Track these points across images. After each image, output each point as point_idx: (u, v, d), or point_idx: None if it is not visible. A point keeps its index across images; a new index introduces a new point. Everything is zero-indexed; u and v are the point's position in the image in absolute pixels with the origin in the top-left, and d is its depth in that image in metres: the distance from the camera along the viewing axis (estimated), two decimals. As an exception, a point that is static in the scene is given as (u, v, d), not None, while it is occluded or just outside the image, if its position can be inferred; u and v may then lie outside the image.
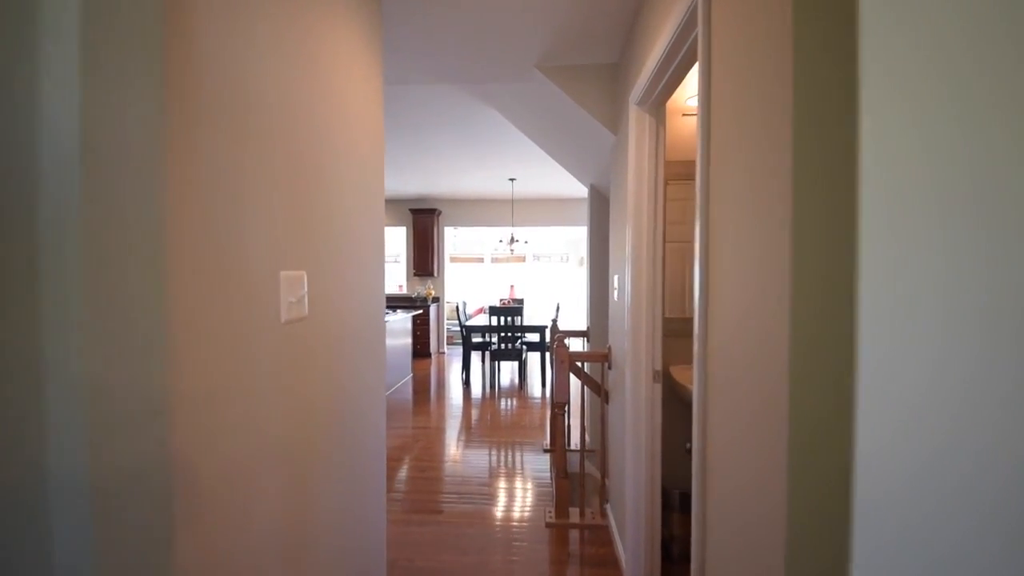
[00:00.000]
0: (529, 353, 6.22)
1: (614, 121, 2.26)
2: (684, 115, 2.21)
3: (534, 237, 9.77)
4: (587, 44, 2.08)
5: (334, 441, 1.20)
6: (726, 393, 0.96)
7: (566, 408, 2.56)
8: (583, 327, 3.81)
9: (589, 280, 3.35)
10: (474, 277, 10.53)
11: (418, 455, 3.45)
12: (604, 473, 2.60)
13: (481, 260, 10.45)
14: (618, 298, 2.22)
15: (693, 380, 1.12)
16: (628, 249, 1.91)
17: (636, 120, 1.83)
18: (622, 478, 2.10)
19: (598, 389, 2.54)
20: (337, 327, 1.21)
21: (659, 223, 1.86)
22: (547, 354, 6.87)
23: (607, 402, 2.53)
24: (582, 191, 6.93)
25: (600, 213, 3.34)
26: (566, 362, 2.35)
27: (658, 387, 1.88)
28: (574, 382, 2.77)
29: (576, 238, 10.07)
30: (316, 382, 1.09)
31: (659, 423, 1.89)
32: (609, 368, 2.43)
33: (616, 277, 2.25)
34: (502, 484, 3.00)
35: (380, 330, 1.64)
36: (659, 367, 1.89)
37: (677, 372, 2.15)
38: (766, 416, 0.76)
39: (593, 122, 2.30)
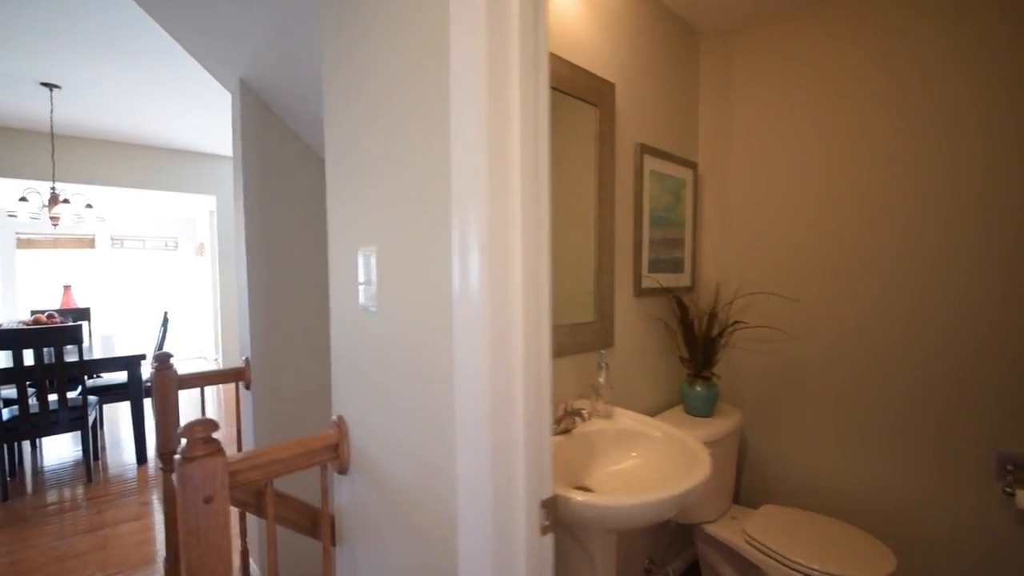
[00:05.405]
0: (109, 405, 3.48)
1: None
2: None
3: (111, 207, 6.34)
4: None
5: None
6: None
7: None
8: (240, 360, 2.10)
9: (248, 272, 1.73)
10: (-25, 274, 6.02)
11: None
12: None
13: (-8, 244, 6.06)
14: (377, 308, 0.88)
15: None
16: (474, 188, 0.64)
17: None
18: None
19: (311, 525, 1.10)
20: None
21: (544, 130, 0.67)
22: (149, 401, 4.30)
23: (335, 543, 1.12)
24: (205, 141, 4.47)
25: (262, 137, 1.76)
26: (224, 516, 0.81)
27: (549, 543, 0.71)
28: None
29: (190, 215, 7.17)
30: None
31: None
32: (341, 472, 1.04)
33: (371, 258, 0.90)
34: None
35: None
36: (550, 491, 0.71)
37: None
38: None
39: None
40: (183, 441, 0.83)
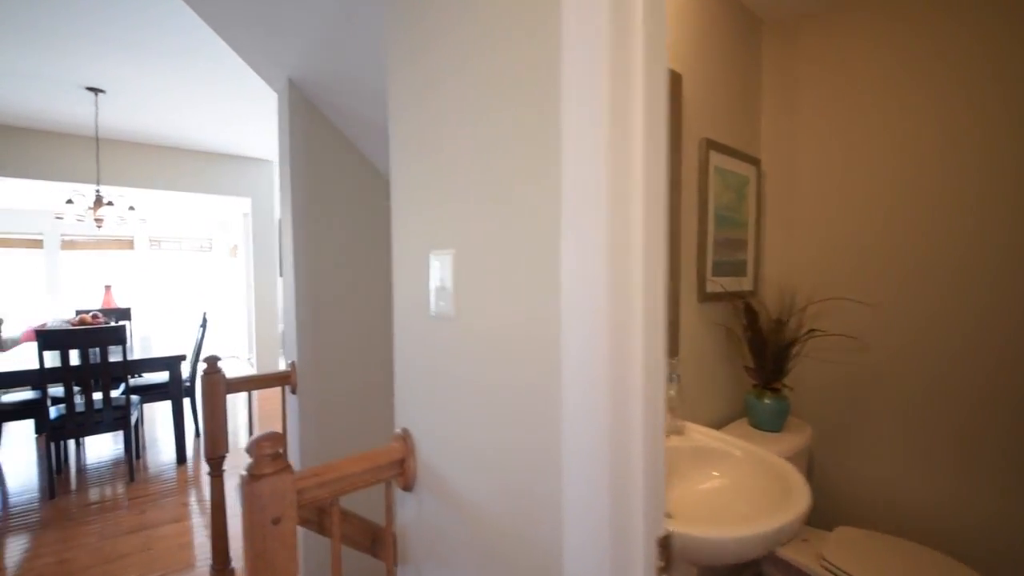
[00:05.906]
0: (147, 404, 3.51)
1: None
2: None
3: (150, 208, 6.52)
4: None
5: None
6: None
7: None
8: (277, 360, 2.09)
9: (295, 268, 1.69)
10: (25, 274, 6.25)
11: None
12: None
13: (39, 243, 6.29)
14: (454, 315, 0.81)
15: None
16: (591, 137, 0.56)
17: None
18: None
19: (371, 543, 1.04)
20: None
21: (661, 115, 0.58)
22: (188, 401, 4.39)
23: (397, 562, 1.06)
24: (242, 143, 4.52)
25: (310, 139, 1.72)
26: (291, 538, 0.75)
27: (662, 589, 0.62)
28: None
29: (224, 217, 7.32)
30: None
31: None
32: (406, 489, 0.98)
33: (447, 261, 0.83)
34: None
35: None
36: (663, 526, 0.63)
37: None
38: None
39: None
40: (250, 458, 0.77)
